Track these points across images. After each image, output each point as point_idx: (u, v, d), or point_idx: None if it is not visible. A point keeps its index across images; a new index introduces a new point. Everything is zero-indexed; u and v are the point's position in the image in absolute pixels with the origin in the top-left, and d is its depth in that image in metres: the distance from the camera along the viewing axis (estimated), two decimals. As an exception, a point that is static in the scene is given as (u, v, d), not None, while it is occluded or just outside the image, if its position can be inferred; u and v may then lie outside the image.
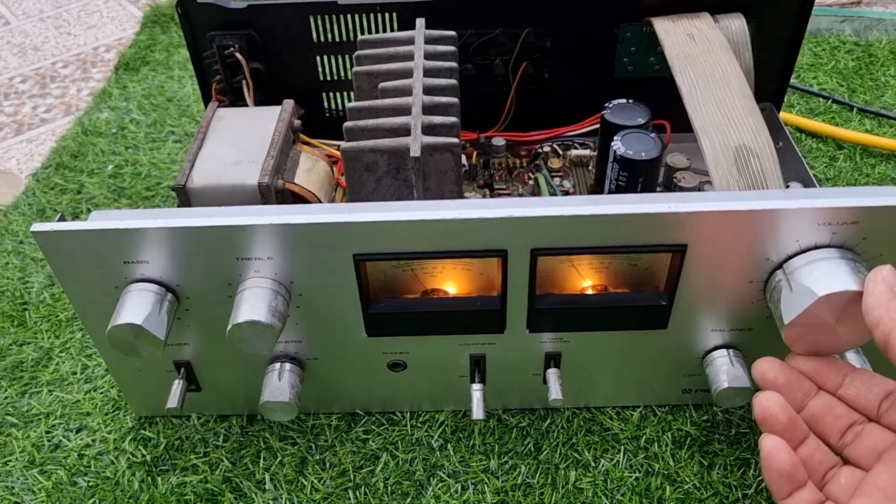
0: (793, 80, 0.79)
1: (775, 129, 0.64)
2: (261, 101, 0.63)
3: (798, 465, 0.38)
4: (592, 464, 0.49)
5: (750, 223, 0.40)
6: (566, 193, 0.63)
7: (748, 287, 0.43)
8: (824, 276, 0.40)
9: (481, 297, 0.45)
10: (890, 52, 0.83)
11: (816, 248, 0.41)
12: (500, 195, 0.64)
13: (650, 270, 0.44)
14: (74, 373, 0.56)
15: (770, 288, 0.43)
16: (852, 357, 0.45)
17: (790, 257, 0.41)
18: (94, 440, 0.52)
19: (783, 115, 0.73)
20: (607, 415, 0.51)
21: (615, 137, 0.54)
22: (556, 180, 0.65)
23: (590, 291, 0.45)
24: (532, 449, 0.50)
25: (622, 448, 0.50)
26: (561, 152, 0.67)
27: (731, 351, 0.47)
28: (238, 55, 0.61)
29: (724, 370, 0.46)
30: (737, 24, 0.60)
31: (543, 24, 0.62)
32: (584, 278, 0.45)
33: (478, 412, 0.47)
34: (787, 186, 0.61)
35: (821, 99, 0.77)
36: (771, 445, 0.38)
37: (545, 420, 0.51)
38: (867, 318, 0.36)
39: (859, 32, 0.87)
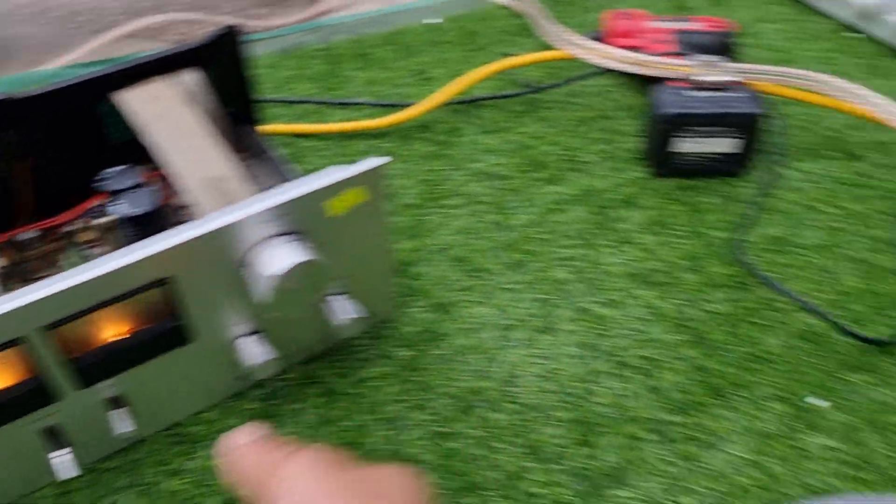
0: (278, 95, 0.95)
1: (255, 145, 0.78)
2: None
3: None
4: (185, 468, 0.59)
5: (198, 247, 0.52)
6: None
7: (242, 286, 0.56)
8: (269, 260, 0.53)
9: (27, 379, 0.52)
10: (350, 49, 1.03)
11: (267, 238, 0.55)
12: (43, 282, 0.70)
13: (163, 301, 0.55)
14: None
15: (248, 282, 0.56)
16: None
17: (246, 253, 0.54)
18: None
19: (275, 128, 0.87)
20: (189, 424, 0.62)
21: (110, 204, 0.64)
22: (97, 250, 0.72)
23: (117, 337, 0.54)
24: (128, 483, 0.58)
25: (208, 443, 0.60)
26: (92, 223, 0.74)
27: (255, 336, 0.59)
28: None
29: (249, 352, 0.58)
30: (192, 77, 0.73)
31: (23, 124, 0.68)
32: (112, 327, 0.54)
33: (66, 473, 0.53)
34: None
35: (303, 104, 0.94)
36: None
37: (138, 451, 0.60)
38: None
39: (325, 39, 1.05)
